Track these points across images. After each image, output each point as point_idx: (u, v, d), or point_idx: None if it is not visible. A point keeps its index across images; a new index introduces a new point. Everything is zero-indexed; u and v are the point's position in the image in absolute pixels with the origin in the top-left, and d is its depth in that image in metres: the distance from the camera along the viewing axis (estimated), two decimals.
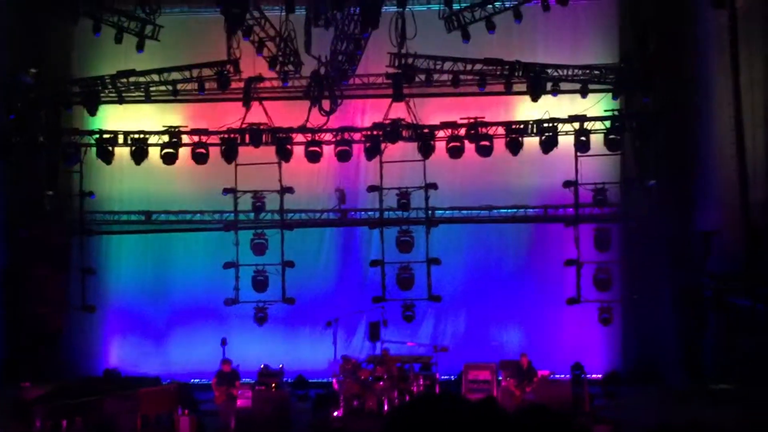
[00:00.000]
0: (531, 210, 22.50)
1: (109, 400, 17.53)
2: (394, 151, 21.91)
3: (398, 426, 3.61)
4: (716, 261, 20.16)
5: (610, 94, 21.57)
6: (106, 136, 21.53)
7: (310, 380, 21.86)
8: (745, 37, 19.19)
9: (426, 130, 21.34)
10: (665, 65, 20.78)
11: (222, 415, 18.64)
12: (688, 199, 20.98)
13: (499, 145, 21.21)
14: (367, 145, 21.47)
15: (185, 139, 21.64)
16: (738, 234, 19.47)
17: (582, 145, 21.16)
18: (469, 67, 20.71)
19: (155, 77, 20.92)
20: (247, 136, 21.47)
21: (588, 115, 21.22)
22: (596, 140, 21.19)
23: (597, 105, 21.48)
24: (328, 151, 21.59)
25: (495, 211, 22.60)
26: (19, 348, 21.47)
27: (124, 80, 20.94)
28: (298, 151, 21.62)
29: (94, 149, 21.69)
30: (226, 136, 21.52)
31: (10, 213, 21.91)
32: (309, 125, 21.25)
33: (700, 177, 20.85)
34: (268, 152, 21.68)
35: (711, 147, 20.60)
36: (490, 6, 19.72)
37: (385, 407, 18.76)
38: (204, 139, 21.61)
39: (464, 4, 19.89)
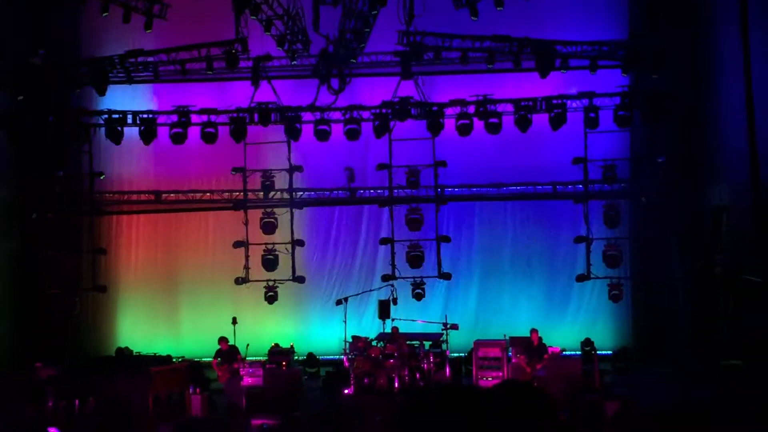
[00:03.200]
0: (540, 187, 22.45)
1: (120, 379, 17.62)
2: (403, 129, 21.88)
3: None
4: (727, 237, 20.10)
5: (619, 70, 21.44)
6: (115, 116, 21.56)
7: (321, 358, 21.94)
8: (757, 12, 19.04)
9: (435, 108, 21.29)
10: (675, 41, 20.64)
11: (227, 392, 18.70)
12: (698, 176, 20.89)
13: (508, 122, 21.16)
14: (376, 123, 21.43)
15: (194, 118, 21.64)
16: (749, 210, 19.39)
17: (591, 121, 21.08)
18: (477, 44, 20.61)
19: (164, 57, 20.88)
20: (255, 115, 21.47)
21: (597, 92, 21.12)
22: (605, 116, 21.10)
23: (606, 81, 21.35)
24: (337, 129, 21.57)
25: (504, 188, 22.58)
26: (32, 329, 21.57)
27: (133, 60, 20.91)
28: (307, 129, 21.61)
29: (103, 129, 21.71)
30: (234, 115, 21.52)
31: (21, 194, 21.95)
32: (318, 104, 21.23)
33: (711, 153, 20.74)
34: (277, 131, 21.68)
35: (721, 123, 20.48)
36: None
37: (396, 385, 18.80)
38: (213, 118, 21.62)
39: None
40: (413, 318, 20.99)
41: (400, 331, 20.29)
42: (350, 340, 19.56)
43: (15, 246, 21.83)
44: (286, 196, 22.49)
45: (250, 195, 22.51)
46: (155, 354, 21.02)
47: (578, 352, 20.60)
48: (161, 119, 21.65)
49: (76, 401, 17.25)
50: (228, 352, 19.11)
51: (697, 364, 19.91)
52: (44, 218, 21.97)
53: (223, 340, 19.23)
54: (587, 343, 20.38)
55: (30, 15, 21.63)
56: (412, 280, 21.79)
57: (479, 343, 20.14)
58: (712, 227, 20.54)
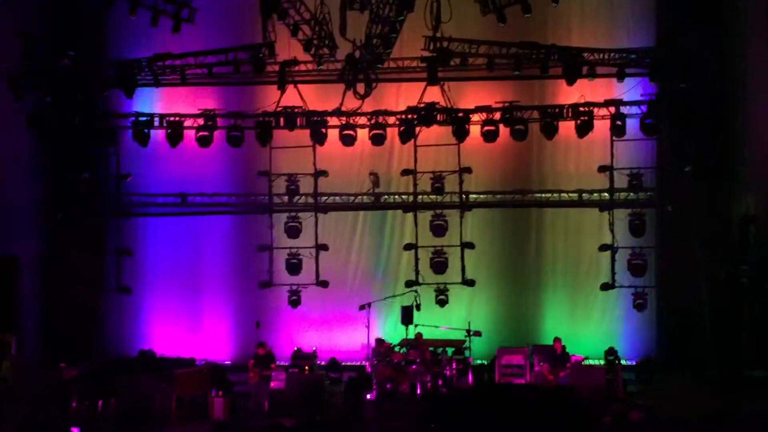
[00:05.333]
0: (565, 194, 22.34)
1: (144, 381, 17.69)
2: (428, 134, 21.87)
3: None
4: (754, 247, 19.97)
5: (646, 78, 21.33)
6: (142, 118, 21.66)
7: (343, 363, 21.90)
8: None
9: (460, 114, 21.25)
10: (703, 48, 20.51)
11: (254, 395, 18.76)
12: (725, 185, 20.73)
13: (534, 129, 21.10)
14: (402, 128, 21.41)
15: (220, 122, 21.71)
16: None
17: (618, 129, 20.98)
18: (504, 50, 20.55)
19: (191, 60, 20.97)
20: (281, 120, 21.50)
21: (624, 100, 21.02)
22: (632, 124, 21.01)
23: (633, 89, 21.25)
24: (362, 134, 21.55)
25: (529, 195, 22.49)
26: (57, 329, 21.69)
27: (161, 63, 21.00)
28: (333, 134, 21.61)
29: (130, 132, 21.82)
30: (260, 119, 21.56)
31: (48, 196, 22.09)
32: (343, 108, 21.25)
33: (738, 162, 20.60)
34: (303, 135, 21.71)
35: (748, 131, 20.36)
36: None
37: (418, 391, 18.78)
38: (239, 122, 21.68)
39: None
40: (436, 324, 20.98)
41: (423, 337, 20.29)
42: (374, 343, 19.58)
43: (41, 246, 21.96)
44: (310, 200, 22.50)
45: (275, 199, 22.55)
46: (178, 356, 21.08)
47: (602, 361, 20.45)
48: (187, 122, 21.73)
49: (99, 402, 17.35)
50: (264, 358, 19.18)
51: (721, 374, 19.77)
52: (70, 219, 22.11)
53: (261, 345, 19.36)
54: (611, 353, 20.26)
55: (58, 17, 21.79)
56: (435, 286, 21.73)
57: (502, 351, 20.11)
58: (738, 237, 20.40)
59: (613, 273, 21.60)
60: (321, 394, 18.97)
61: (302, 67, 21.45)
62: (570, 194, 22.31)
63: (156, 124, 21.72)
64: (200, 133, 21.56)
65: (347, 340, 22.41)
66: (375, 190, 22.69)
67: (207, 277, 23.28)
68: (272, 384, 18.87)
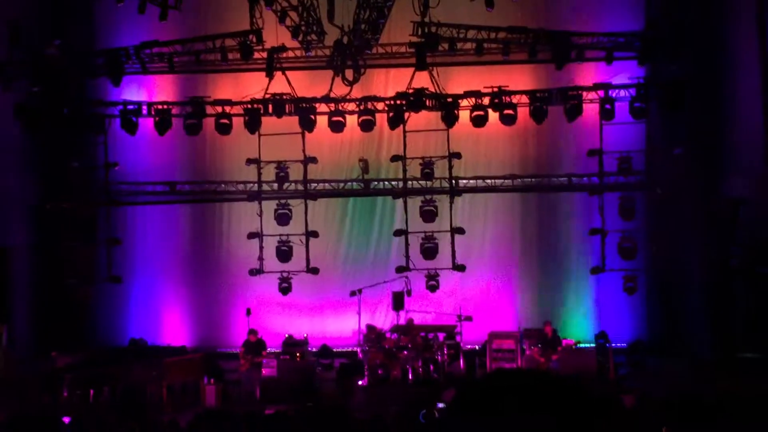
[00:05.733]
0: (555, 179, 22.37)
1: (135, 369, 17.73)
2: (417, 120, 21.84)
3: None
4: (744, 230, 20.02)
5: (635, 61, 21.34)
6: (130, 107, 21.60)
7: (335, 350, 21.94)
8: None
9: (449, 99, 21.22)
10: (691, 31, 20.53)
11: (245, 382, 18.81)
12: (715, 167, 20.78)
13: (523, 113, 21.10)
14: (391, 114, 21.38)
15: (209, 109, 21.66)
16: (766, 202, 19.32)
17: (607, 113, 20.99)
18: (492, 35, 20.53)
19: (178, 47, 20.91)
20: (270, 107, 21.44)
21: (613, 83, 21.04)
22: (621, 108, 21.02)
23: (622, 72, 21.25)
24: (351, 120, 21.52)
25: (519, 180, 22.51)
26: (48, 318, 21.67)
27: (148, 51, 20.93)
28: (322, 121, 21.56)
29: (118, 120, 21.76)
30: (249, 106, 21.50)
31: (36, 185, 22.04)
32: (332, 95, 21.19)
33: (727, 145, 20.64)
34: (292, 122, 21.66)
35: (738, 114, 20.38)
36: None
37: (410, 376, 18.83)
38: (227, 109, 21.63)
39: None
40: (427, 310, 21.03)
41: (414, 322, 20.33)
42: (365, 329, 19.61)
43: (31, 236, 21.92)
44: (300, 187, 22.48)
45: (265, 186, 22.52)
46: (169, 345, 21.09)
47: (592, 345, 20.53)
48: (176, 110, 21.67)
49: (92, 391, 17.37)
50: (255, 345, 19.20)
51: (712, 357, 19.84)
52: (59, 209, 22.07)
53: (252, 332, 19.37)
54: (601, 336, 20.33)
55: (45, 6, 21.69)
56: (426, 271, 21.74)
57: (493, 335, 20.15)
58: (728, 219, 20.45)
59: (603, 257, 21.65)
60: (313, 380, 19.03)
61: (290, 54, 21.39)
62: (559, 178, 22.33)
63: (144, 112, 21.64)
64: (188, 121, 21.50)
65: (338, 326, 22.42)
66: (364, 177, 22.67)
67: (197, 265, 23.26)
68: (264, 371, 18.91)
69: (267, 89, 21.32)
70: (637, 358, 20.97)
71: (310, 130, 21.67)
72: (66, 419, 13.70)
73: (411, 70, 21.07)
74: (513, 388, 3.54)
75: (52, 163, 22.16)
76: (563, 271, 22.60)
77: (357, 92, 21.19)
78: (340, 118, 21.33)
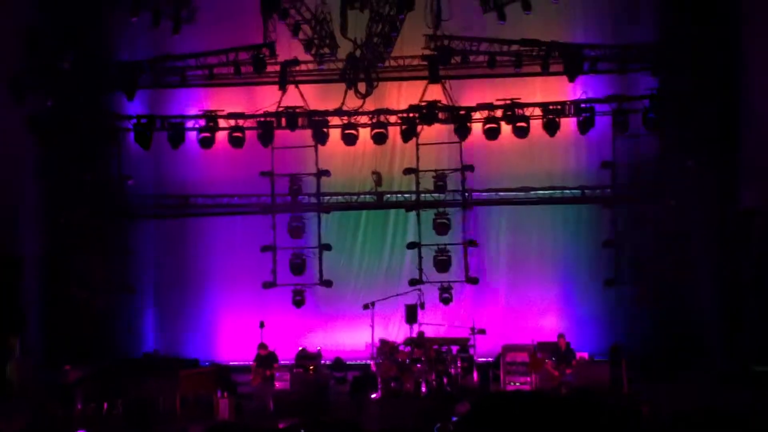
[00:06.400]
0: (568, 191, 22.31)
1: (148, 382, 17.69)
2: (430, 133, 21.86)
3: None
4: (757, 242, 19.94)
5: (648, 73, 21.31)
6: (143, 120, 21.65)
7: (348, 363, 21.88)
8: None
9: (462, 112, 21.25)
10: (705, 43, 20.50)
11: (257, 396, 18.77)
12: (728, 179, 20.71)
13: (536, 126, 21.09)
14: (404, 127, 21.41)
15: (222, 123, 21.72)
16: None
17: (620, 125, 20.96)
18: (505, 48, 20.58)
19: (192, 61, 20.98)
20: (283, 120, 21.52)
21: (626, 95, 21.00)
22: (635, 120, 20.99)
23: (635, 84, 21.23)
24: (364, 133, 21.56)
25: (532, 192, 22.44)
26: (61, 331, 21.68)
27: (162, 64, 21.00)
28: (334, 134, 21.62)
29: (131, 133, 21.82)
30: (262, 119, 21.57)
31: (50, 197, 22.09)
32: (345, 108, 21.25)
33: (741, 157, 20.57)
34: (305, 135, 21.72)
35: (752, 126, 20.32)
36: None
37: (423, 389, 18.78)
38: (240, 122, 21.70)
39: None
40: (440, 322, 21.00)
41: (427, 335, 20.27)
42: (378, 342, 19.57)
43: (44, 247, 21.96)
44: (313, 200, 22.50)
45: (278, 199, 22.53)
46: (182, 357, 21.07)
47: (606, 358, 20.43)
48: (189, 123, 21.73)
49: (105, 403, 17.35)
50: (266, 358, 19.18)
51: (726, 370, 19.73)
52: (73, 221, 22.10)
53: (262, 346, 19.34)
54: (615, 349, 20.22)
55: (60, 18, 21.76)
56: (439, 284, 21.71)
57: (507, 348, 20.08)
58: (741, 231, 20.37)
59: (617, 269, 21.57)
60: (326, 393, 18.99)
61: (303, 67, 21.47)
62: (572, 191, 22.28)
63: (157, 125, 21.70)
64: (202, 135, 21.58)
65: (351, 339, 22.36)
66: (377, 189, 22.65)
67: (210, 278, 23.26)
68: (277, 384, 18.87)
69: (280, 102, 21.42)
70: (651, 371, 20.85)
71: (323, 143, 21.71)
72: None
73: (424, 83, 21.15)
74: (526, 404, 3.56)
75: (65, 175, 22.20)
76: (577, 283, 22.50)
77: (370, 105, 21.25)
78: (353, 131, 21.38)
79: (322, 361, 20.79)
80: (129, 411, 17.15)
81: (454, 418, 13.53)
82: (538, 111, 21.15)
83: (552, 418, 3.34)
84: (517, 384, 19.30)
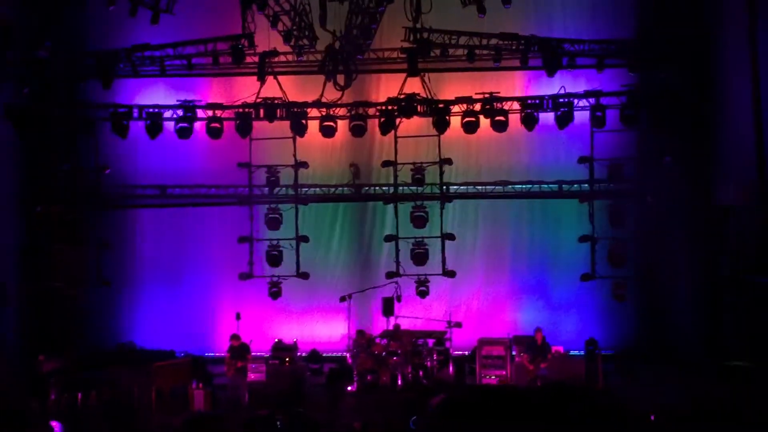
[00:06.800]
0: (546, 186, 22.35)
1: (124, 374, 17.65)
2: (408, 126, 21.85)
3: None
4: (734, 238, 20.06)
5: (626, 69, 21.38)
6: (120, 110, 21.54)
7: (324, 355, 21.91)
8: (765, 11, 19.03)
9: (441, 105, 21.24)
10: (682, 40, 20.59)
11: (231, 388, 18.76)
12: (705, 176, 20.84)
13: (515, 120, 21.12)
14: (382, 120, 21.38)
15: (200, 113, 21.64)
16: (756, 210, 19.37)
17: (598, 120, 21.02)
18: (484, 41, 20.59)
19: (170, 51, 20.88)
20: (261, 111, 21.44)
21: (604, 91, 21.06)
22: (612, 115, 21.06)
23: (613, 80, 21.29)
24: (342, 125, 21.52)
25: (509, 186, 22.47)
26: (36, 322, 21.58)
27: (139, 54, 20.90)
28: (313, 125, 21.56)
29: (109, 123, 21.70)
30: (240, 110, 21.50)
31: (26, 187, 21.96)
32: (324, 100, 21.21)
33: (718, 153, 20.69)
34: (283, 127, 21.65)
35: (729, 122, 20.44)
36: None
37: (399, 382, 18.81)
38: (219, 113, 21.62)
39: None
40: (417, 315, 21.04)
41: (404, 328, 20.31)
42: (354, 335, 19.58)
43: (20, 239, 21.84)
44: (291, 192, 22.45)
45: (255, 190, 22.49)
46: (158, 349, 21.01)
47: (582, 352, 20.51)
48: (167, 113, 21.64)
49: (79, 395, 17.28)
50: (238, 349, 19.15)
51: (701, 364, 19.86)
52: (49, 211, 21.98)
53: (234, 337, 19.30)
54: (591, 343, 20.31)
55: (37, 7, 21.61)
56: (416, 277, 21.72)
57: (483, 342, 20.13)
58: (718, 227, 20.50)
59: (593, 264, 21.66)
60: (302, 385, 18.99)
61: (282, 58, 21.41)
62: (550, 185, 22.32)
63: (135, 115, 21.60)
64: (180, 125, 21.48)
65: (328, 331, 22.42)
66: (355, 182, 22.64)
67: (187, 269, 23.18)
68: (253, 376, 18.86)
69: (258, 93, 21.33)
70: (626, 365, 20.96)
71: (302, 135, 21.65)
72: (55, 424, 13.65)
73: (403, 75, 21.12)
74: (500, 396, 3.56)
75: (41, 165, 22.07)
76: (553, 277, 22.58)
77: (348, 97, 21.23)
78: (332, 123, 21.33)
79: (298, 353, 20.80)
80: (104, 402, 17.08)
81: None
82: (516, 105, 21.18)
83: (522, 410, 3.35)
84: (493, 377, 19.36)
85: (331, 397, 18.58)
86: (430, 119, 21.39)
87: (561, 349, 20.04)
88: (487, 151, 22.57)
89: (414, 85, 21.21)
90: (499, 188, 22.46)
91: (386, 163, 22.08)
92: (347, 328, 19.89)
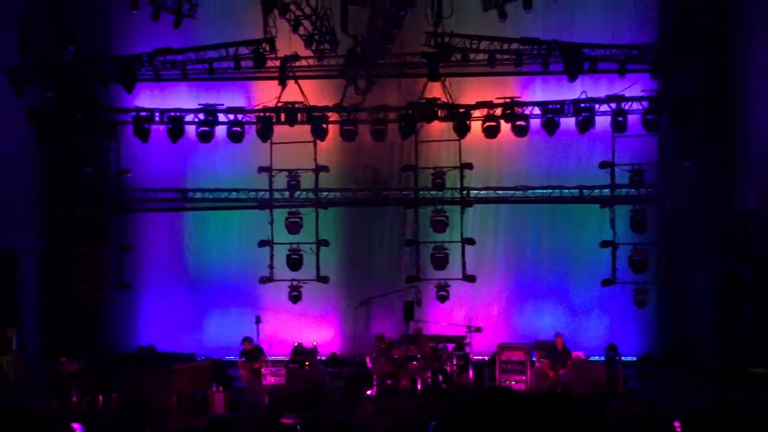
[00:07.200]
0: (566, 191, 22.29)
1: (144, 376, 17.68)
2: (429, 130, 21.88)
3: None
4: (755, 244, 19.95)
5: (648, 74, 21.32)
6: (143, 114, 21.65)
7: (344, 359, 21.90)
8: None
9: (462, 110, 21.23)
10: (705, 44, 20.50)
11: (248, 391, 18.78)
12: (727, 181, 20.71)
13: (535, 125, 21.10)
14: (402, 124, 21.39)
15: (221, 117, 21.72)
16: None
17: (619, 125, 20.96)
18: (505, 46, 20.55)
19: (192, 55, 20.96)
20: (282, 115, 21.49)
21: (626, 95, 21.00)
22: (633, 120, 20.99)
23: (635, 85, 21.21)
24: (363, 130, 21.54)
25: (530, 191, 22.42)
26: (58, 324, 21.69)
27: (161, 58, 20.99)
28: (334, 130, 21.61)
29: (131, 127, 21.82)
30: (261, 114, 21.56)
31: (49, 191, 22.09)
32: (344, 104, 21.24)
33: (740, 158, 20.57)
34: (304, 131, 21.70)
35: (750, 127, 20.34)
36: None
37: (419, 386, 18.79)
38: (240, 117, 21.68)
39: None
40: (437, 320, 21.01)
41: (424, 332, 20.29)
42: (374, 339, 19.58)
43: (41, 241, 21.97)
44: (311, 195, 22.48)
45: (276, 194, 22.53)
46: (179, 352, 21.06)
47: (602, 357, 20.44)
48: (188, 117, 21.73)
49: (100, 397, 17.33)
50: (252, 352, 19.19)
51: (722, 371, 19.75)
52: (71, 215, 22.10)
53: (246, 340, 19.35)
54: (611, 349, 20.24)
55: (60, 11, 21.75)
56: (436, 282, 21.72)
57: (503, 347, 20.08)
58: (739, 233, 20.38)
59: (614, 269, 21.59)
60: (321, 389, 18.99)
61: (303, 63, 21.45)
62: (571, 190, 22.26)
63: (157, 119, 21.71)
64: (201, 129, 21.58)
65: (348, 335, 22.41)
66: (376, 186, 22.64)
67: (207, 272, 23.24)
68: (273, 379, 18.87)
69: (279, 98, 21.40)
70: (646, 371, 20.87)
71: (322, 139, 21.70)
72: (76, 426, 13.69)
73: (423, 80, 21.15)
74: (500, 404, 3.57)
75: (64, 168, 22.21)
76: (574, 283, 22.49)
77: (369, 102, 21.23)
78: (352, 128, 21.37)
79: (318, 357, 20.79)
80: (124, 405, 17.13)
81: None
82: (537, 110, 21.14)
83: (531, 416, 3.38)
84: (512, 383, 19.30)
85: (350, 401, 18.58)
86: (451, 124, 21.38)
87: (581, 354, 19.95)
88: (508, 156, 22.51)
89: (435, 90, 21.24)
90: (519, 193, 22.40)
91: (406, 168, 22.09)
92: (367, 332, 19.87)
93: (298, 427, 13.90)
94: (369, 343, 19.68)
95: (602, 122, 21.18)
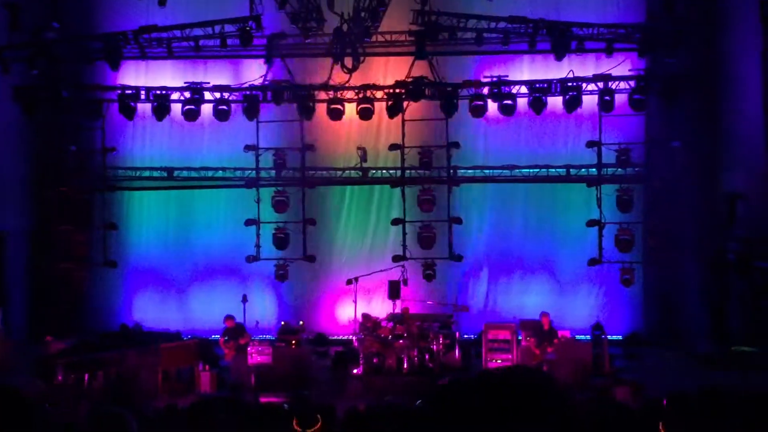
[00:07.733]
0: (553, 170, 22.28)
1: (130, 355, 17.67)
2: (416, 109, 21.79)
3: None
4: (741, 224, 19.99)
5: (635, 54, 21.29)
6: (128, 92, 21.52)
7: (330, 338, 21.92)
8: None
9: (449, 89, 21.18)
10: (692, 24, 20.48)
11: (233, 370, 18.76)
12: (713, 161, 20.73)
13: (523, 104, 21.06)
14: (390, 103, 21.33)
15: (207, 95, 21.61)
16: (764, 197, 19.29)
17: (606, 105, 20.95)
18: (493, 24, 20.49)
19: (177, 33, 20.84)
20: (269, 93, 21.40)
21: (613, 75, 20.97)
22: (620, 100, 20.98)
23: (622, 64, 21.19)
24: (350, 108, 21.47)
25: (517, 170, 22.41)
26: (43, 303, 21.64)
27: (147, 36, 20.86)
28: (320, 108, 21.53)
29: (116, 105, 21.70)
30: (248, 92, 21.46)
31: (34, 169, 21.98)
32: (331, 83, 21.16)
33: (727, 139, 20.59)
34: (290, 110, 21.62)
35: (738, 108, 20.34)
36: None
37: (405, 365, 18.81)
38: (226, 95, 21.58)
39: None
40: (423, 299, 21.01)
41: (410, 311, 20.29)
42: (361, 318, 19.58)
43: (27, 221, 21.88)
44: (298, 174, 22.43)
45: (262, 173, 22.46)
46: (165, 330, 21.05)
47: (588, 336, 20.50)
48: (174, 95, 21.62)
49: (86, 376, 17.31)
50: (234, 330, 19.17)
51: (708, 350, 19.83)
52: (57, 193, 22.01)
53: (228, 318, 19.34)
54: (597, 328, 20.28)
55: None
56: (423, 261, 21.72)
57: (489, 326, 20.10)
58: (726, 213, 20.42)
59: (601, 248, 21.62)
60: (308, 368, 19.00)
61: (290, 41, 21.33)
62: (558, 170, 22.26)
63: (142, 97, 21.58)
64: (187, 107, 21.46)
65: (334, 314, 22.41)
66: (362, 165, 22.59)
67: (193, 251, 23.19)
68: (259, 358, 18.87)
69: (266, 76, 21.28)
70: (632, 351, 20.96)
71: (309, 118, 21.62)
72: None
73: (410, 58, 21.08)
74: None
75: (49, 147, 22.10)
76: (561, 262, 22.53)
77: (356, 80, 21.16)
78: (339, 106, 21.29)
79: (304, 336, 20.79)
80: (110, 384, 17.12)
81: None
82: (524, 89, 21.10)
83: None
84: (499, 361, 19.33)
85: (336, 380, 18.60)
86: (438, 103, 21.32)
87: (568, 333, 19.99)
88: (495, 135, 22.49)
89: (422, 69, 21.16)
90: (506, 172, 22.39)
91: (393, 147, 22.04)
92: (353, 311, 19.86)
93: (285, 406, 13.90)
94: (355, 322, 19.64)
95: (589, 102, 21.17)
